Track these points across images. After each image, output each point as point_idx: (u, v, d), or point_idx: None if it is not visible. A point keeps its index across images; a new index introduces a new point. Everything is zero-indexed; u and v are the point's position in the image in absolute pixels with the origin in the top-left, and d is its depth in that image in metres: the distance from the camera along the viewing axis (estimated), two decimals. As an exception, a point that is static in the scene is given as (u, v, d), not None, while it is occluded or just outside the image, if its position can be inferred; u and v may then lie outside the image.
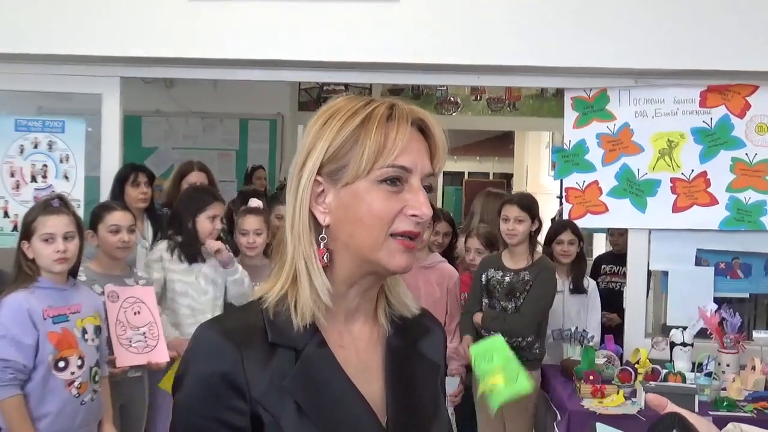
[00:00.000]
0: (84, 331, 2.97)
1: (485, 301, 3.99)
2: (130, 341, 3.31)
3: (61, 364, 2.86)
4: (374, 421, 1.15)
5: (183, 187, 4.35)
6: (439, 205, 11.56)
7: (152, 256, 3.72)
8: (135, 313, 3.34)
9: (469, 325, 4.00)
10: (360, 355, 1.20)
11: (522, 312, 3.88)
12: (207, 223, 3.65)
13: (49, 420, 2.84)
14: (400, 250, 1.13)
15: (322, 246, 1.17)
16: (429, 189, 1.18)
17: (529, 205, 3.97)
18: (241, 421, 1.09)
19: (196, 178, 4.50)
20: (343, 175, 1.14)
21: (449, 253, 4.64)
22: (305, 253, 1.16)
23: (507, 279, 3.92)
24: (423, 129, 1.18)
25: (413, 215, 1.13)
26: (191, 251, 3.66)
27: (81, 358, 2.92)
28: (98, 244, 3.39)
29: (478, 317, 3.94)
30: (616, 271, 5.15)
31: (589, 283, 4.39)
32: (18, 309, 2.79)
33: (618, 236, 5.11)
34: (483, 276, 4.00)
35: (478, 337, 3.96)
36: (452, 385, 3.92)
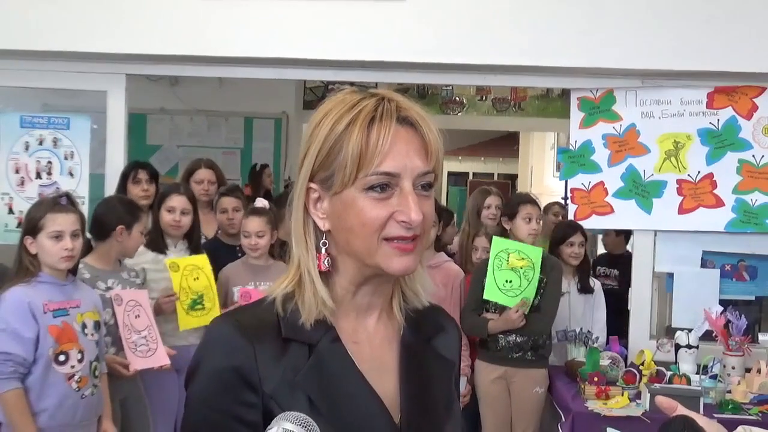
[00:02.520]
0: (84, 326, 2.97)
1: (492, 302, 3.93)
2: (135, 345, 3.32)
3: (62, 357, 2.86)
4: (387, 418, 1.14)
5: (191, 185, 4.36)
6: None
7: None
8: (136, 317, 3.35)
9: (475, 319, 3.92)
10: (374, 351, 1.19)
11: (544, 310, 3.85)
12: (166, 214, 3.73)
13: (50, 413, 2.84)
14: (397, 254, 1.12)
15: (324, 251, 1.16)
16: (429, 186, 1.15)
17: (539, 205, 3.99)
18: (253, 416, 1.09)
19: (204, 175, 4.51)
20: (333, 184, 1.13)
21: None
22: (304, 260, 1.17)
23: None
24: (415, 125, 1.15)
25: (402, 221, 1.11)
26: (157, 244, 3.73)
27: (81, 352, 2.92)
28: (123, 241, 3.39)
29: (491, 324, 3.88)
30: (608, 274, 5.14)
31: (595, 283, 4.38)
32: (18, 303, 2.80)
33: (611, 236, 5.11)
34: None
35: (485, 342, 3.93)
36: (460, 385, 3.90)
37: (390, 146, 1.10)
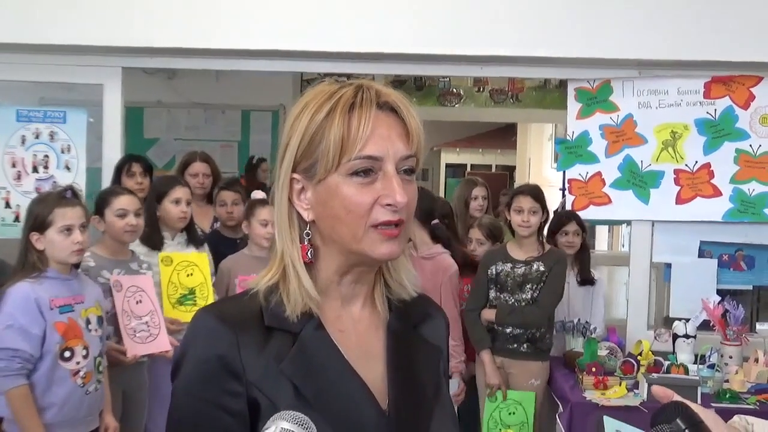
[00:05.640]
0: (88, 321, 2.97)
1: (494, 294, 3.93)
2: (135, 331, 3.31)
3: (67, 353, 2.87)
4: (373, 405, 1.14)
5: (186, 178, 4.35)
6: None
7: None
8: (137, 302, 3.34)
9: (480, 332, 3.92)
10: (360, 338, 1.20)
11: (541, 303, 3.85)
12: (172, 207, 3.70)
13: (55, 410, 2.84)
14: (382, 240, 1.12)
15: (306, 242, 1.17)
16: (411, 171, 1.15)
17: (540, 196, 3.93)
18: (238, 404, 1.09)
19: (198, 168, 4.51)
20: (316, 172, 1.13)
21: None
22: (289, 251, 1.17)
23: (519, 270, 3.87)
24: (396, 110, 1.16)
25: (388, 204, 1.11)
26: (152, 239, 3.69)
27: (86, 348, 2.93)
28: (105, 229, 3.38)
29: (489, 314, 3.89)
30: None
31: (595, 275, 4.37)
32: (25, 299, 2.80)
33: None
34: (490, 270, 3.93)
35: (490, 331, 3.94)
36: (453, 385, 3.88)
37: (371, 130, 1.11)
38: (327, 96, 1.14)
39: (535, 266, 3.86)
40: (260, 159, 6.49)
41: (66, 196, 2.96)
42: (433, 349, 1.28)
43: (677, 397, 1.10)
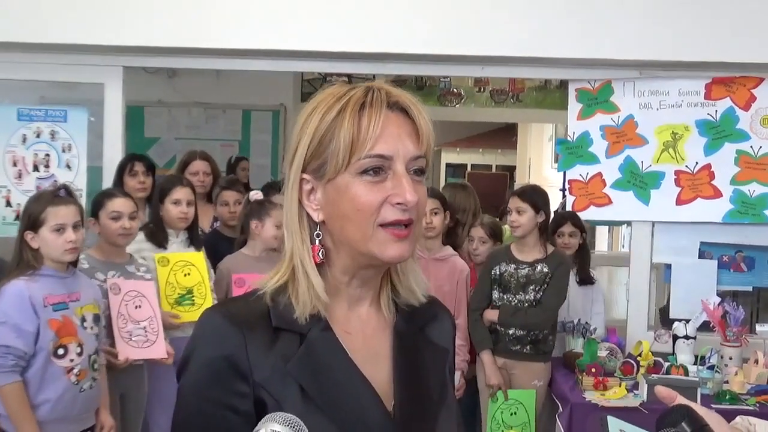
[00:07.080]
0: (83, 319, 2.98)
1: (497, 295, 3.93)
2: (131, 335, 3.31)
3: (61, 351, 2.88)
4: (380, 406, 1.14)
5: (186, 177, 4.35)
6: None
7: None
8: (136, 307, 3.34)
9: (482, 333, 3.93)
10: (367, 340, 1.19)
11: (545, 305, 3.85)
12: (171, 207, 3.71)
13: (49, 407, 2.86)
14: (392, 240, 1.12)
15: (317, 242, 1.17)
16: (421, 172, 1.15)
17: (528, 195, 3.91)
18: (245, 405, 1.09)
19: (198, 166, 4.51)
20: (326, 171, 1.13)
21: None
22: (299, 251, 1.17)
23: (522, 271, 3.88)
24: (407, 110, 1.16)
25: (398, 203, 1.11)
26: (157, 237, 3.71)
27: (80, 345, 2.94)
28: (100, 232, 3.39)
29: (492, 314, 3.89)
30: None
31: (594, 275, 4.38)
32: (19, 296, 2.81)
33: None
34: (494, 270, 3.94)
35: (492, 332, 3.94)
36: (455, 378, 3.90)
37: (381, 130, 1.11)
38: (337, 97, 1.14)
39: (538, 268, 3.86)
40: (238, 158, 6.48)
41: (59, 194, 2.97)
42: (439, 351, 1.28)
43: (681, 398, 1.10)
